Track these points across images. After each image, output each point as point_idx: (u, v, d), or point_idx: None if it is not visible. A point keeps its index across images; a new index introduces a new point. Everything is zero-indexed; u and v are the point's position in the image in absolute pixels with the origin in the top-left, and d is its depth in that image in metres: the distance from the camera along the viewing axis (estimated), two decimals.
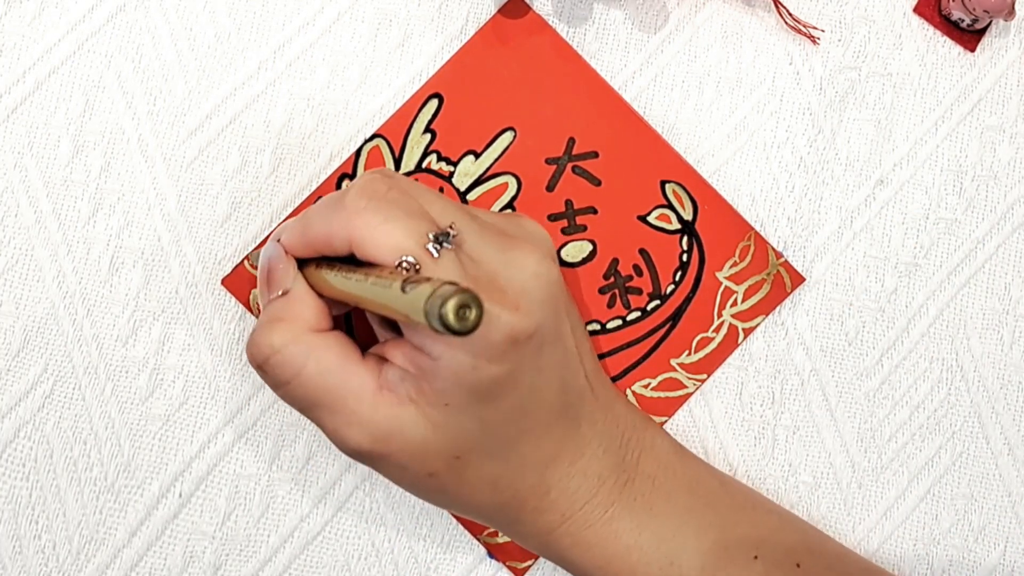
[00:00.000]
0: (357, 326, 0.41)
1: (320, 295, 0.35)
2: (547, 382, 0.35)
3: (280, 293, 0.36)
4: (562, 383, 0.36)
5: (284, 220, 0.41)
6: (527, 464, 0.36)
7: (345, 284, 0.33)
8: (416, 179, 0.42)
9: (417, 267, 0.32)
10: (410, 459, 0.34)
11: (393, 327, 0.35)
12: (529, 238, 0.36)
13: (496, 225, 0.36)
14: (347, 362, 0.34)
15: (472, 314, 0.27)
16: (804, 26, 0.44)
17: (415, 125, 0.42)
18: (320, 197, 0.42)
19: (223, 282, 0.41)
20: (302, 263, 0.36)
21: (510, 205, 0.42)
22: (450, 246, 0.33)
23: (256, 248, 0.41)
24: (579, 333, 0.38)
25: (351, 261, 0.34)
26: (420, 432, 0.34)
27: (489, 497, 0.36)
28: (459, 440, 0.34)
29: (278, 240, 0.36)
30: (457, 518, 0.42)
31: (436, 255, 0.32)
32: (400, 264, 0.32)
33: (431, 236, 0.33)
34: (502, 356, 0.33)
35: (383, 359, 0.34)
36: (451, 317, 0.27)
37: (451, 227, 0.34)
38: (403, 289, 0.29)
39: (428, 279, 0.29)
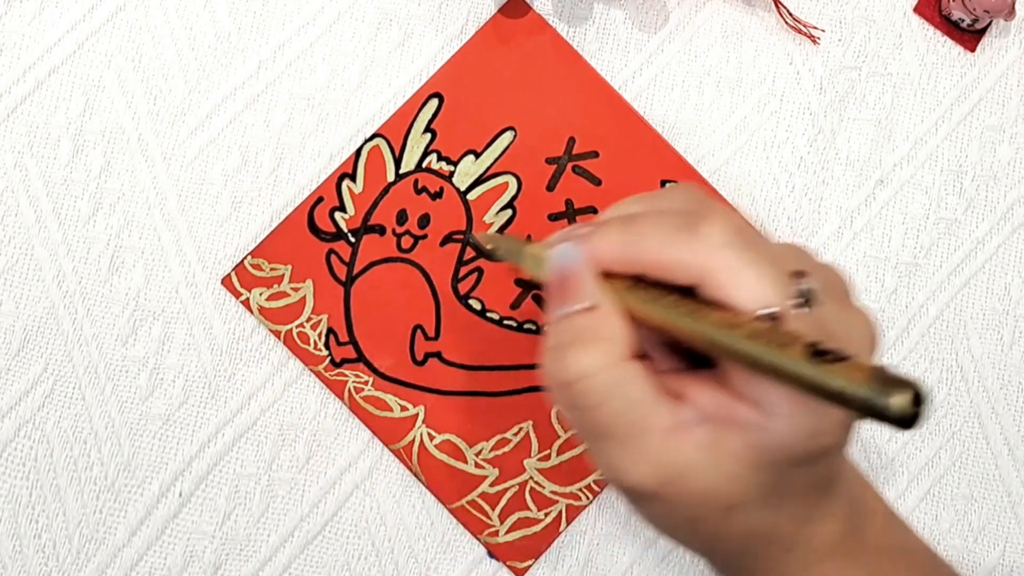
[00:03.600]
0: None
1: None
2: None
3: (582, 307, 0.32)
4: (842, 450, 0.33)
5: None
6: (783, 520, 0.33)
7: (690, 324, 0.29)
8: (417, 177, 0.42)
9: (776, 319, 0.28)
10: (684, 504, 0.31)
11: (683, 355, 0.32)
12: (854, 293, 0.32)
13: (823, 272, 0.32)
14: (651, 397, 0.31)
15: (923, 409, 0.24)
16: (804, 26, 0.44)
17: (415, 125, 0.42)
18: (319, 199, 0.42)
19: (223, 282, 0.41)
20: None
21: (510, 205, 0.42)
22: (808, 309, 0.29)
23: (493, 235, 0.37)
24: None
25: (671, 291, 0.30)
26: (707, 480, 0.30)
27: (734, 546, 0.33)
28: (742, 494, 0.31)
29: (577, 244, 0.32)
30: (457, 516, 0.42)
31: (803, 311, 0.29)
32: (760, 316, 0.28)
33: (799, 290, 0.29)
34: (843, 429, 0.30)
35: (677, 393, 0.31)
36: (908, 408, 0.23)
37: (808, 279, 0.30)
38: (811, 358, 0.26)
39: (847, 357, 0.25)
